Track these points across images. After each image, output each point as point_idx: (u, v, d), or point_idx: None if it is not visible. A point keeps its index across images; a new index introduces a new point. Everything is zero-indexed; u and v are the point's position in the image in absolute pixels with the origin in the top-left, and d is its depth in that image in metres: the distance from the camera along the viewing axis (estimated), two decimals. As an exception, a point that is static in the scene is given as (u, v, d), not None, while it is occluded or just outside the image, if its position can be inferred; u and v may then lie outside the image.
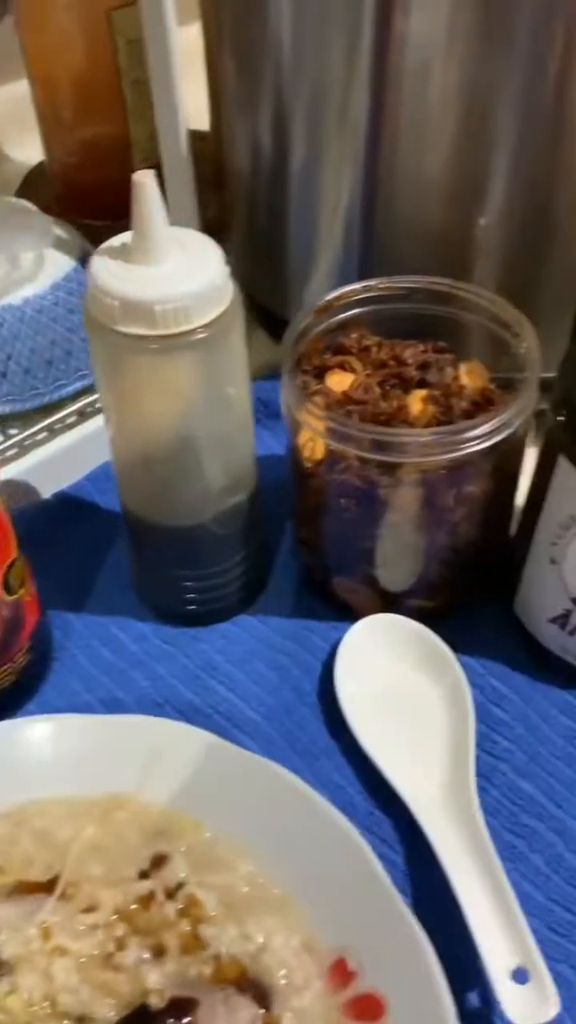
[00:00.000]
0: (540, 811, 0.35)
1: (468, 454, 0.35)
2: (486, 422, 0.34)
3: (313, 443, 0.37)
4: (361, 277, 0.42)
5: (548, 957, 0.31)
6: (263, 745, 0.37)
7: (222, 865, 0.32)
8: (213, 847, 0.32)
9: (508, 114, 0.39)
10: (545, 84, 0.38)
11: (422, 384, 0.39)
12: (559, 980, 0.30)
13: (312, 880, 0.31)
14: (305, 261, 0.49)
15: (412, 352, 0.40)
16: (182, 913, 0.30)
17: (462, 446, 0.34)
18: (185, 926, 0.30)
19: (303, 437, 0.37)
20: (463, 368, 0.40)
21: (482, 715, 0.38)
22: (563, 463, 0.35)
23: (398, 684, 0.39)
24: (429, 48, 0.39)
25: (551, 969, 0.30)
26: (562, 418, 0.34)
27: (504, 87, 0.39)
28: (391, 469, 0.35)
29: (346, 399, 0.38)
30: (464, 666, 0.39)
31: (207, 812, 0.33)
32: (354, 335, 0.41)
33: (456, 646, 0.40)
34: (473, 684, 0.39)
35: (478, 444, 0.35)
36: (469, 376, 0.40)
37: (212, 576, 0.40)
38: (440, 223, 0.44)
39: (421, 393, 0.39)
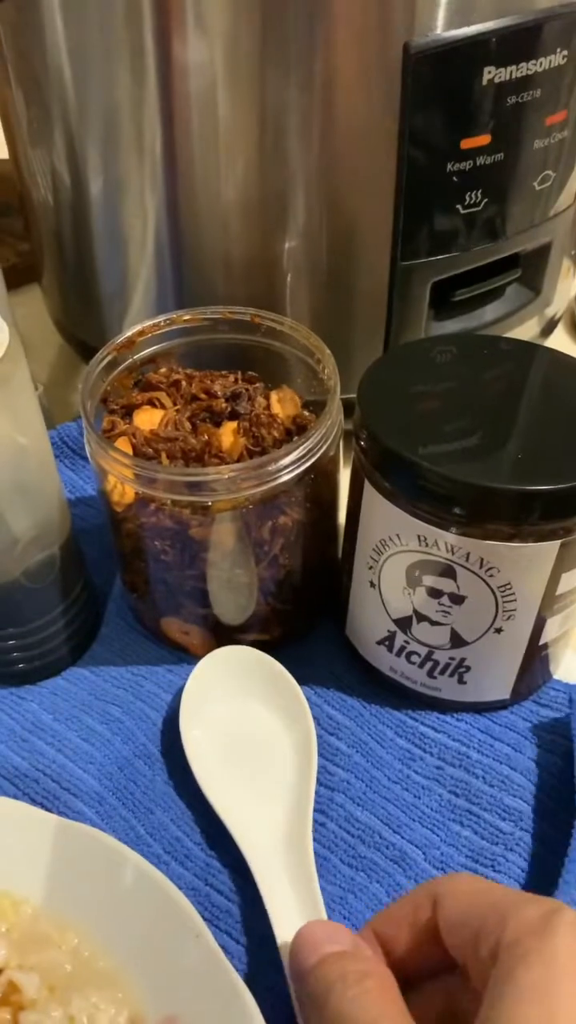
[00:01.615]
0: (378, 840, 0.35)
1: (277, 485, 0.34)
2: (288, 453, 0.34)
3: (121, 487, 0.36)
4: (179, 307, 0.41)
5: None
6: (93, 806, 0.35)
7: (46, 942, 0.30)
8: (36, 924, 0.30)
9: (298, 137, 0.39)
10: (331, 107, 0.38)
11: (233, 416, 0.39)
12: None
13: (139, 949, 0.29)
14: (119, 295, 0.48)
15: (222, 383, 0.40)
16: (1, 1002, 0.29)
17: (269, 479, 0.34)
18: (5, 1015, 0.28)
19: (110, 482, 0.36)
20: (274, 396, 0.39)
21: (320, 747, 0.37)
22: (368, 488, 0.34)
23: (243, 721, 0.38)
24: (211, 73, 0.38)
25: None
26: (363, 443, 0.34)
27: (291, 110, 0.38)
28: (202, 508, 0.35)
29: (154, 437, 0.37)
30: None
31: (29, 888, 0.31)
32: (163, 369, 0.41)
33: (300, 677, 0.40)
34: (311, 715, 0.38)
35: (285, 474, 0.34)
36: (280, 404, 0.39)
37: (34, 632, 0.38)
38: (246, 250, 0.43)
39: (232, 425, 0.38)
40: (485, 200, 0.40)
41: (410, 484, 0.32)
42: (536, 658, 0.37)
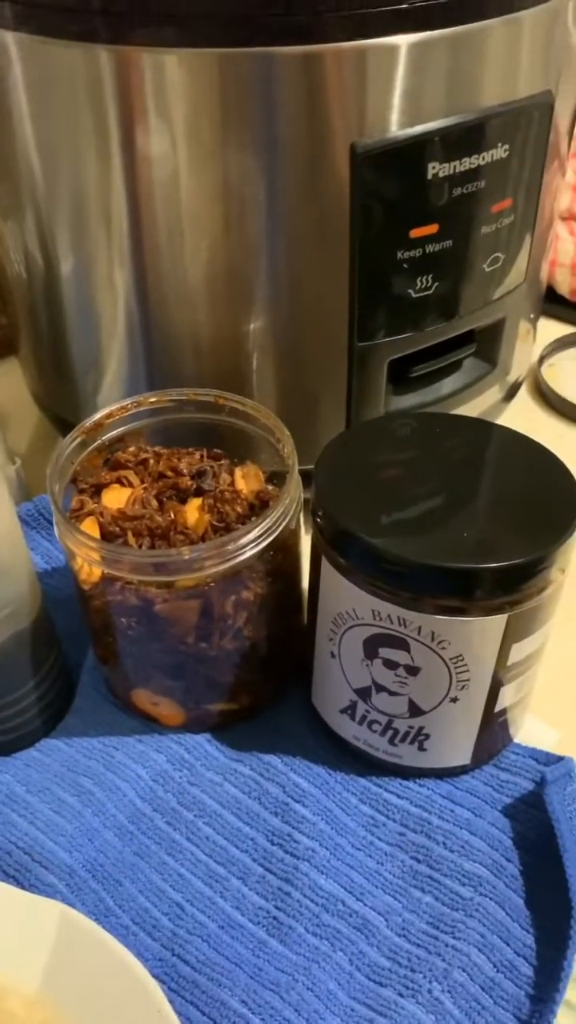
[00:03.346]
0: (341, 908, 0.35)
1: (239, 562, 0.36)
2: (249, 532, 0.35)
3: (88, 567, 0.37)
4: (149, 386, 0.43)
5: (349, 1062, 0.31)
6: (63, 878, 0.36)
7: (12, 1020, 0.31)
8: (2, 1002, 0.31)
9: (258, 224, 0.41)
10: (287, 198, 0.40)
11: (198, 492, 0.40)
12: None
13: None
14: (91, 370, 0.50)
15: (188, 461, 0.41)
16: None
17: (231, 556, 0.35)
18: None
19: (78, 562, 0.38)
20: (238, 472, 0.41)
21: (286, 814, 0.38)
22: (325, 564, 0.36)
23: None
24: (173, 162, 0.40)
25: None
26: (319, 520, 0.36)
27: (249, 199, 0.40)
28: (167, 585, 0.36)
29: (122, 516, 0.39)
30: (267, 764, 0.40)
31: (-3, 964, 0.32)
32: (131, 448, 0.42)
33: (260, 745, 0.41)
34: (275, 782, 0.39)
35: (247, 551, 0.36)
36: (244, 480, 0.41)
37: (7, 706, 0.39)
38: (213, 329, 0.45)
39: (196, 502, 0.40)
40: (436, 284, 0.42)
41: (363, 561, 0.34)
42: (494, 724, 0.38)
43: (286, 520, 0.37)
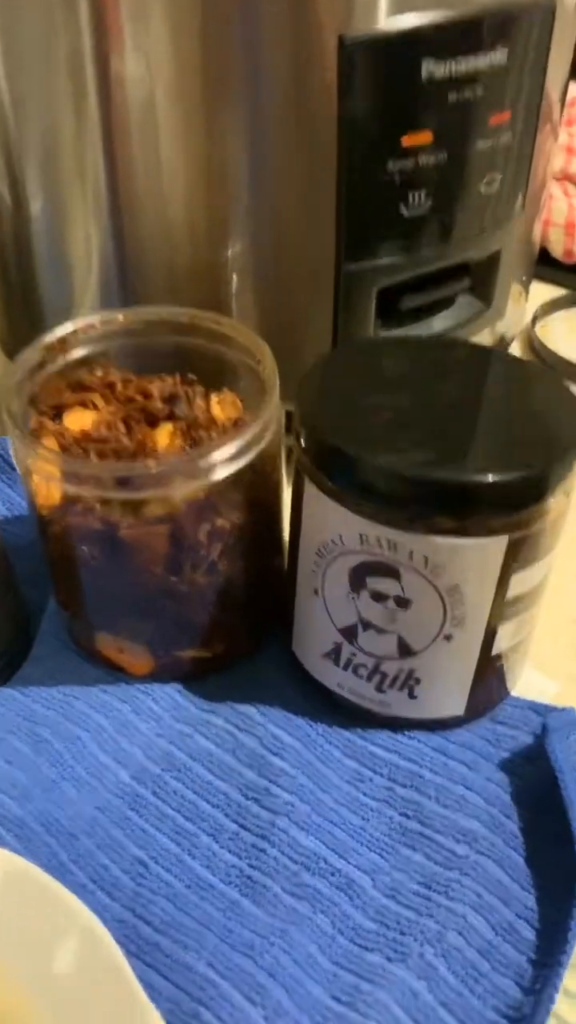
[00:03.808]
0: (323, 867, 0.32)
1: (213, 483, 0.33)
2: (222, 446, 0.32)
3: (47, 487, 0.34)
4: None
5: (330, 1032, 0.28)
6: (12, 830, 0.32)
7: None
8: None
9: (238, 135, 0.38)
10: (271, 105, 0.37)
11: (170, 418, 0.37)
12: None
13: (55, 984, 0.26)
14: (63, 313, 0.46)
15: (160, 386, 0.38)
16: None
17: (203, 475, 0.32)
18: None
19: (36, 482, 0.34)
20: (214, 399, 0.38)
21: (263, 767, 0.35)
22: (309, 488, 0.33)
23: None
24: (149, 87, 0.37)
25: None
26: (302, 441, 0.33)
27: (230, 105, 0.37)
28: (133, 508, 0.33)
29: (85, 438, 0.35)
30: (242, 715, 0.37)
31: None
32: (99, 372, 0.39)
33: (235, 695, 0.38)
34: (251, 733, 0.36)
35: (221, 470, 0.32)
36: (221, 407, 0.37)
37: (-44, 648, 0.36)
38: (191, 259, 0.42)
39: (168, 427, 0.36)
40: (429, 203, 0.39)
41: (350, 479, 0.31)
42: (490, 670, 0.35)
43: (264, 441, 0.34)
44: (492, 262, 0.45)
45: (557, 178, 0.69)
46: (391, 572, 0.31)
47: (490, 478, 0.29)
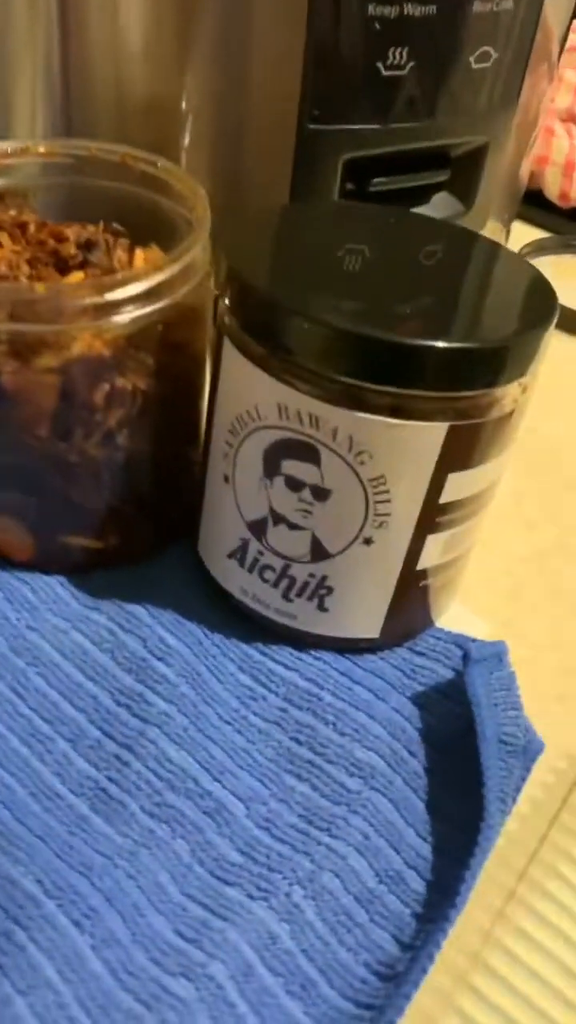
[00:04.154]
0: (191, 787, 0.28)
1: (116, 333, 0.28)
2: (132, 280, 0.27)
3: None
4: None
5: (166, 972, 0.23)
6: None
7: None
8: None
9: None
10: None
11: (84, 266, 0.32)
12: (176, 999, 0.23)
13: None
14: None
15: (77, 230, 0.33)
16: None
17: (104, 313, 0.27)
18: None
19: None
20: (139, 253, 0.33)
21: (143, 671, 0.30)
22: (228, 351, 0.28)
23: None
24: None
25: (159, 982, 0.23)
26: (227, 297, 0.28)
27: None
28: (17, 350, 0.28)
29: (-23, 272, 0.30)
30: (129, 614, 0.32)
31: None
32: (12, 212, 0.34)
33: (125, 594, 0.33)
34: (136, 634, 0.31)
35: (126, 312, 0.27)
36: (146, 263, 0.33)
37: None
38: (142, 94, 0.37)
39: (79, 275, 0.31)
40: (411, 64, 0.34)
41: (274, 336, 0.26)
42: (413, 590, 0.30)
43: (183, 290, 0.29)
44: (476, 158, 0.40)
45: (562, 119, 0.64)
46: (310, 454, 0.27)
47: (434, 343, 0.24)
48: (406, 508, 0.28)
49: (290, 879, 0.26)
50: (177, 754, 0.28)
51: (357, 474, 0.27)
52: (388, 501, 0.27)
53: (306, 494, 0.28)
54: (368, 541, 0.28)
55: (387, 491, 0.27)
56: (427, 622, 0.33)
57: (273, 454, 0.28)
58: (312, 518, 0.28)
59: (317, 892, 0.25)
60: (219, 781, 0.28)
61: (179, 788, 0.27)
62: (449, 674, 0.31)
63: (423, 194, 0.40)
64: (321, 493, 0.28)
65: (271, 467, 0.28)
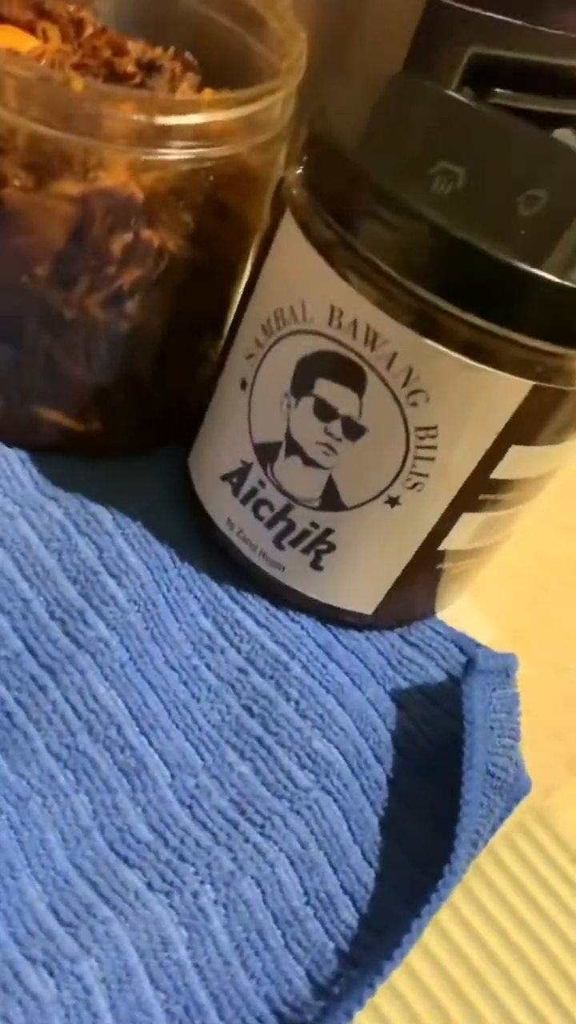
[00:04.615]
0: (112, 736, 0.23)
1: (155, 171, 0.22)
2: (189, 112, 0.22)
3: None
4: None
5: (25, 956, 0.19)
6: None
7: None
8: None
9: None
10: None
11: (139, 88, 0.26)
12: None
13: None
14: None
15: (142, 47, 0.27)
16: None
17: (148, 140, 0.22)
18: None
19: None
20: (207, 93, 0.27)
21: (87, 584, 0.25)
22: (288, 226, 0.22)
23: None
24: None
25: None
26: (303, 162, 0.22)
27: None
28: (37, 164, 0.22)
29: (12, 61, 0.24)
30: (91, 515, 0.27)
31: None
32: (71, 7, 0.28)
33: (93, 490, 0.28)
34: (92, 539, 0.26)
35: (174, 150, 0.22)
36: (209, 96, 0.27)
37: None
38: None
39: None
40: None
41: (349, 218, 0.21)
42: (426, 571, 0.25)
43: (252, 139, 0.23)
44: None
45: None
46: (354, 378, 0.22)
47: (546, 275, 0.19)
48: (450, 473, 0.23)
49: (202, 876, 0.21)
50: (106, 692, 0.23)
51: (404, 417, 0.22)
52: (431, 460, 0.22)
53: (335, 426, 0.23)
54: (393, 501, 0.23)
55: (434, 447, 0.22)
56: (428, 611, 0.28)
57: (308, 367, 0.23)
58: (335, 457, 0.23)
59: (230, 899, 0.21)
60: (146, 736, 0.23)
61: (98, 733, 0.23)
62: (440, 675, 0.27)
63: (548, 123, 0.34)
64: (354, 429, 0.22)
65: (301, 383, 0.23)
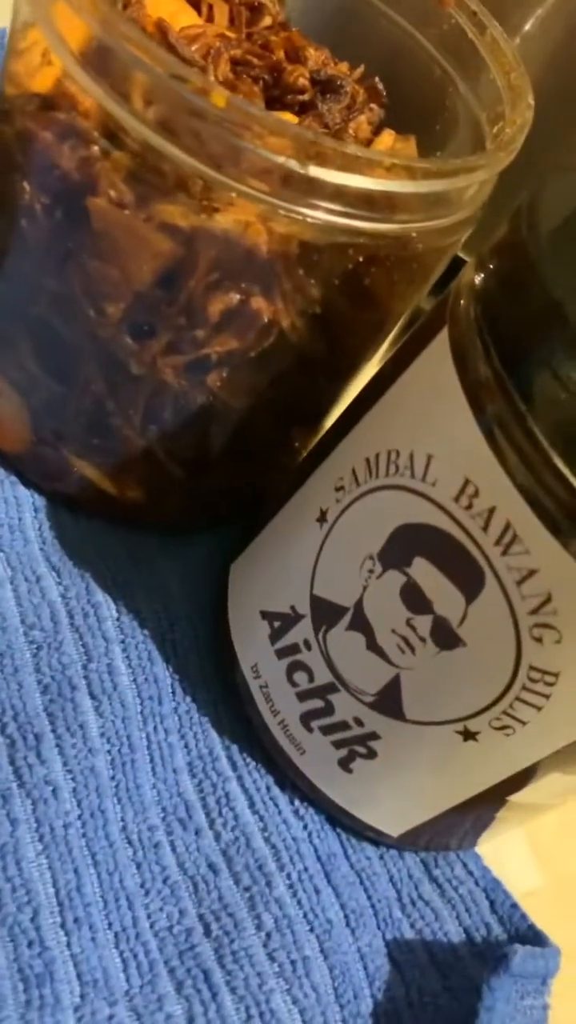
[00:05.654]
0: (25, 923, 0.17)
1: (298, 224, 0.17)
2: (368, 166, 0.16)
3: (42, 57, 0.18)
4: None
5: None
6: None
7: None
8: None
9: None
10: None
11: (304, 111, 0.21)
12: None
13: None
14: None
15: (323, 58, 0.22)
16: None
17: (293, 193, 0.16)
18: None
19: (29, 40, 0.18)
20: (388, 136, 0.21)
21: (57, 702, 0.20)
22: (439, 351, 0.17)
23: None
24: None
25: None
26: (479, 275, 0.17)
27: None
28: (143, 179, 0.17)
29: (160, 33, 0.19)
30: (92, 605, 0.21)
31: None
32: (254, -11, 0.22)
33: (104, 572, 0.22)
34: (82, 639, 0.21)
35: (322, 207, 0.16)
36: (389, 141, 0.21)
37: None
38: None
39: (289, 116, 0.20)
40: None
41: (526, 372, 0.15)
42: (480, 813, 0.20)
43: (430, 221, 0.17)
44: None
45: None
46: (467, 577, 0.16)
47: None
48: (554, 729, 0.17)
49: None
50: (34, 859, 0.18)
51: (519, 649, 0.16)
52: (537, 708, 0.16)
53: (423, 623, 0.17)
54: (469, 735, 0.17)
55: (546, 695, 0.16)
56: (467, 844, 0.22)
57: (410, 538, 0.17)
58: (410, 657, 0.17)
59: None
60: (68, 933, 0.18)
61: (6, 916, 0.17)
62: (457, 934, 0.21)
63: None
64: (447, 636, 0.17)
65: (395, 553, 0.17)
